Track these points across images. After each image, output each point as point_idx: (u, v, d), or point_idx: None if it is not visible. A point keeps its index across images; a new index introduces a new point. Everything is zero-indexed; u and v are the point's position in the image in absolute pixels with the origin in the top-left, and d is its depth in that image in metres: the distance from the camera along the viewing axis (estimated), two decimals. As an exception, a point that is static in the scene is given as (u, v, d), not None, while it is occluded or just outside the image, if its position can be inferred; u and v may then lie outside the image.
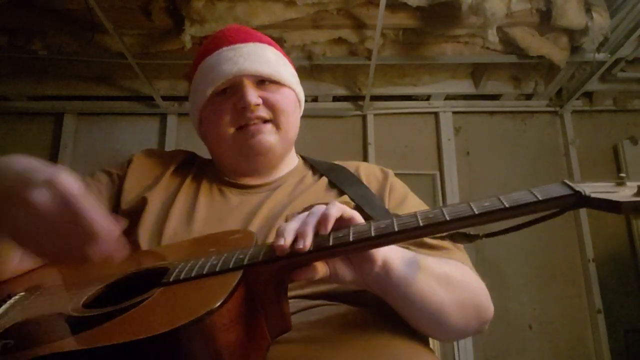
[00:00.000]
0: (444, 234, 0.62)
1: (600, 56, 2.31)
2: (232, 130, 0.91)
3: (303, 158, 1.05)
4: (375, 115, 2.76)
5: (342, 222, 0.61)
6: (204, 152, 1.05)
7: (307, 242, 0.57)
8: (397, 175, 0.99)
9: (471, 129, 2.78)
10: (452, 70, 2.64)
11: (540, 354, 2.44)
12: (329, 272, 0.62)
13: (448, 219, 0.54)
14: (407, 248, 0.76)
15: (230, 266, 0.59)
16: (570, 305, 2.50)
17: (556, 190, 0.53)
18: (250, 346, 0.56)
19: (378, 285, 0.67)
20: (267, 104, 0.92)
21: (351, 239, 0.57)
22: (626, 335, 2.45)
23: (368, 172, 0.96)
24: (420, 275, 0.69)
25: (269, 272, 0.58)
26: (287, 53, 2.39)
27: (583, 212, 2.57)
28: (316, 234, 0.59)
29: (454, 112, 2.79)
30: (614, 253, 2.55)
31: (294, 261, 0.58)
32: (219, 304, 0.51)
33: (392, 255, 0.66)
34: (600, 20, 2.15)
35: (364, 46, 2.32)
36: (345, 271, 0.64)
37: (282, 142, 0.94)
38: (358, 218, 0.62)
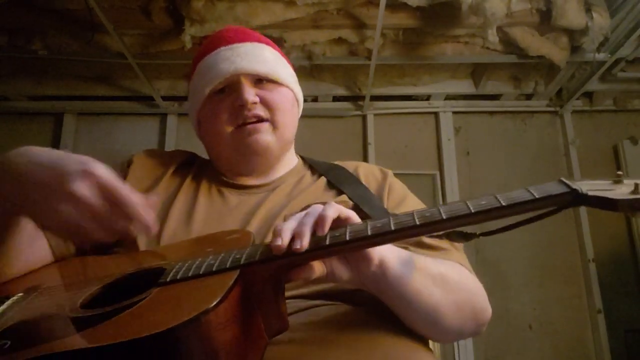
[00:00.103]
0: (441, 232, 0.62)
1: (601, 56, 2.31)
2: (229, 129, 0.92)
3: (302, 158, 1.05)
4: (375, 115, 2.76)
5: (339, 223, 0.61)
6: (203, 152, 1.05)
7: (304, 242, 0.57)
8: (397, 175, 0.99)
9: (471, 129, 2.78)
10: (452, 70, 2.64)
11: (540, 354, 2.44)
12: (326, 272, 0.62)
13: (445, 217, 0.54)
14: (406, 248, 0.76)
15: (227, 266, 0.59)
16: (570, 306, 2.50)
17: (553, 188, 0.53)
18: (247, 346, 0.56)
19: (374, 285, 0.67)
20: (265, 102, 0.92)
21: (348, 238, 0.57)
22: (626, 335, 2.45)
23: (367, 172, 0.96)
24: (417, 275, 0.69)
25: (266, 272, 0.58)
26: (287, 53, 2.40)
27: (583, 212, 2.57)
28: (313, 234, 0.59)
29: (454, 112, 2.79)
30: (614, 253, 2.55)
31: (291, 261, 0.58)
32: (214, 303, 0.51)
33: (388, 254, 0.66)
34: (601, 20, 2.15)
35: (364, 46, 2.32)
36: (341, 270, 0.64)
37: (279, 141, 0.94)
38: (355, 218, 0.62)
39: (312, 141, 2.57)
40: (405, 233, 0.56)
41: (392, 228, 0.56)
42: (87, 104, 2.73)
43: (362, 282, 0.67)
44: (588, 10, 2.14)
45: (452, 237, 0.61)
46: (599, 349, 2.41)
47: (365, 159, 2.65)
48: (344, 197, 0.87)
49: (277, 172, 0.97)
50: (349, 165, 0.99)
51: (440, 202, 2.59)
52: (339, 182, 0.91)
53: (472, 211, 0.53)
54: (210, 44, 0.98)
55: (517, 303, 2.49)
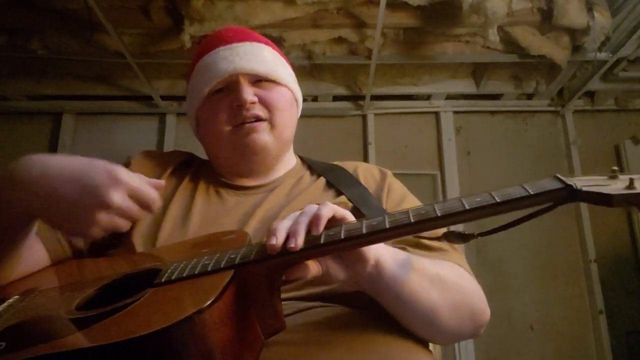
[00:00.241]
0: (439, 235, 0.62)
1: (602, 56, 2.31)
2: (228, 128, 0.91)
3: (301, 158, 1.04)
4: (375, 115, 2.76)
5: (335, 222, 0.61)
6: (202, 152, 1.04)
7: (299, 241, 0.57)
8: (397, 175, 0.99)
9: (472, 129, 2.77)
10: (453, 69, 2.63)
11: (541, 354, 2.43)
12: (322, 271, 0.62)
13: (439, 214, 0.54)
14: (404, 249, 0.76)
15: (222, 266, 0.59)
16: (571, 306, 2.49)
17: (548, 184, 0.53)
18: (243, 345, 0.56)
19: (370, 285, 0.67)
20: (263, 102, 0.92)
21: (343, 237, 0.57)
22: (628, 336, 2.44)
23: (366, 173, 0.96)
24: (413, 275, 0.68)
25: (261, 271, 0.58)
26: (287, 52, 2.39)
27: (585, 212, 2.57)
28: (308, 233, 0.59)
29: (455, 112, 2.78)
30: (615, 254, 2.54)
31: (286, 260, 0.58)
32: (209, 302, 0.52)
33: (384, 255, 0.66)
34: (602, 19, 2.15)
35: (364, 45, 2.31)
36: (337, 270, 0.63)
37: (277, 141, 0.93)
38: (350, 218, 0.62)
39: (312, 141, 2.56)
40: (401, 231, 0.56)
41: (387, 226, 0.56)
42: (86, 103, 2.72)
43: (358, 283, 0.66)
44: (589, 9, 2.13)
45: (450, 238, 0.61)
46: (600, 350, 2.41)
47: (365, 159, 2.65)
48: (342, 198, 0.86)
49: (276, 173, 0.97)
50: (348, 165, 0.98)
51: (441, 202, 2.59)
52: (338, 182, 0.91)
53: (467, 208, 0.53)
54: (209, 43, 0.97)
55: (519, 304, 2.48)
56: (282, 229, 0.59)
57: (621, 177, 0.53)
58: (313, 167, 0.99)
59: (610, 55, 2.30)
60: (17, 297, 0.70)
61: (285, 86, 0.96)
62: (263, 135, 0.91)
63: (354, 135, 2.74)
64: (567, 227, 2.58)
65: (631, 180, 0.49)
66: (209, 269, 0.59)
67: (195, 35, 2.11)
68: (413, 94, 2.77)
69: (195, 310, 0.50)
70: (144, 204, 0.67)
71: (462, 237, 0.60)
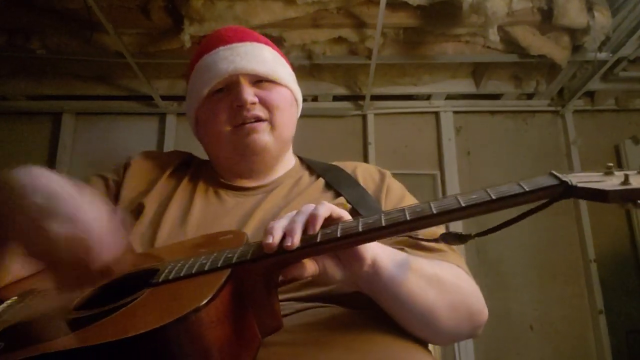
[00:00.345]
0: (437, 237, 0.61)
1: (602, 55, 2.31)
2: (228, 128, 0.91)
3: (300, 159, 1.04)
4: (375, 114, 2.76)
5: (332, 222, 0.61)
6: (202, 153, 1.04)
7: (295, 240, 0.57)
8: (397, 175, 0.98)
9: (472, 129, 2.77)
10: (453, 69, 2.63)
11: (541, 354, 2.44)
12: (319, 271, 0.62)
13: (435, 212, 0.54)
14: (402, 250, 0.75)
15: (219, 265, 0.59)
16: (571, 306, 2.49)
17: (543, 181, 0.53)
18: (240, 344, 0.56)
19: (367, 285, 0.67)
20: (263, 102, 0.91)
21: (339, 235, 0.57)
22: (628, 336, 2.44)
23: (365, 173, 0.95)
24: (411, 275, 0.68)
25: (258, 270, 0.59)
26: (287, 52, 2.39)
27: (584, 212, 2.57)
28: (305, 232, 0.59)
29: (455, 112, 2.78)
30: (615, 253, 2.54)
31: (282, 259, 0.58)
32: (205, 301, 0.52)
33: (381, 254, 0.66)
34: (602, 19, 2.15)
35: (364, 45, 2.32)
36: (334, 270, 0.63)
37: (277, 141, 0.93)
38: (347, 217, 0.62)
39: (312, 141, 2.56)
40: (397, 229, 0.56)
41: (383, 224, 0.56)
42: (85, 103, 2.72)
43: (356, 282, 0.67)
44: (589, 9, 2.13)
45: (448, 239, 0.61)
46: (600, 350, 2.41)
47: (365, 158, 2.65)
48: (341, 199, 0.86)
49: (275, 173, 0.97)
50: (347, 165, 0.98)
51: (441, 202, 2.59)
52: (337, 183, 0.91)
53: (463, 205, 0.53)
54: (209, 43, 0.97)
55: (518, 303, 2.48)
56: (278, 228, 0.59)
57: (616, 173, 0.53)
58: (312, 167, 0.99)
59: (610, 55, 2.30)
60: (15, 297, 0.70)
61: (285, 86, 0.96)
62: (263, 136, 0.91)
63: (354, 135, 2.74)
64: (566, 226, 2.58)
65: (626, 176, 0.49)
66: (206, 268, 0.59)
67: (195, 35, 2.11)
68: (413, 94, 2.77)
69: (192, 308, 0.50)
70: (88, 256, 0.59)
71: (459, 238, 0.60)
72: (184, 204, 0.88)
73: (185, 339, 0.50)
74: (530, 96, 2.78)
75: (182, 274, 0.60)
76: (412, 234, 0.74)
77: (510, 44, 2.34)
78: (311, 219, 0.60)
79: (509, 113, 2.79)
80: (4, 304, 0.68)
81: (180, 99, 2.70)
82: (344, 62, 2.47)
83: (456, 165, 2.67)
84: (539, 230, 2.55)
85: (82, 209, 0.60)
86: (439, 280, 0.72)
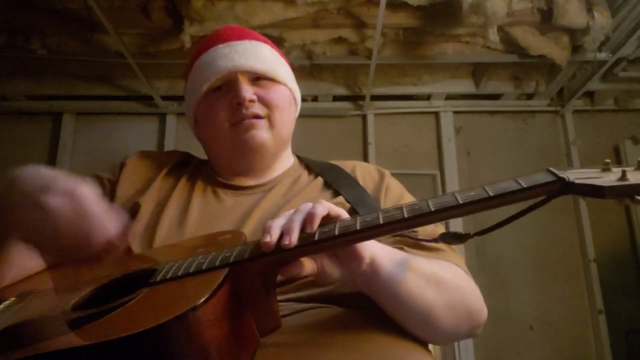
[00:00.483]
0: (436, 237, 0.61)
1: (602, 55, 2.31)
2: (226, 126, 0.91)
3: (298, 158, 1.04)
4: (375, 115, 2.76)
5: (329, 220, 0.61)
6: (203, 153, 1.04)
7: (293, 238, 0.57)
8: (397, 175, 0.98)
9: (472, 129, 2.77)
10: (453, 69, 2.63)
11: (541, 354, 2.44)
12: (317, 270, 0.61)
13: (433, 209, 0.54)
14: (401, 249, 0.75)
15: (217, 264, 0.59)
16: (571, 306, 2.49)
17: (540, 177, 0.53)
18: (238, 344, 0.56)
19: (366, 284, 0.67)
20: (262, 100, 0.91)
21: (337, 233, 0.57)
22: (627, 335, 2.44)
23: (364, 173, 0.95)
24: (409, 274, 0.68)
25: (256, 269, 0.58)
26: (287, 52, 2.39)
27: (584, 212, 2.57)
28: (302, 231, 0.59)
29: (455, 112, 2.78)
30: (615, 253, 2.54)
31: (280, 257, 0.58)
32: (203, 300, 0.51)
33: (380, 253, 0.65)
34: (602, 19, 2.15)
35: (364, 45, 2.32)
36: (332, 269, 0.63)
37: (276, 139, 0.93)
38: (345, 216, 0.62)
39: (312, 141, 2.56)
40: (395, 226, 0.56)
41: (381, 222, 0.56)
42: (86, 103, 2.72)
43: (354, 281, 0.66)
44: (589, 9, 2.13)
45: (447, 239, 0.61)
46: (600, 350, 2.41)
47: (365, 158, 2.65)
48: (340, 198, 0.86)
49: (273, 172, 0.96)
50: (346, 165, 0.98)
51: (441, 202, 2.58)
52: (336, 182, 0.90)
53: (461, 203, 0.53)
54: (208, 42, 0.97)
55: (518, 303, 2.48)
56: (276, 226, 0.59)
57: (614, 169, 0.53)
58: (311, 166, 0.98)
59: (610, 55, 2.30)
60: (13, 298, 0.70)
61: (284, 85, 0.96)
62: (262, 133, 0.91)
63: (354, 135, 2.74)
64: (566, 226, 2.58)
65: (624, 172, 0.49)
66: (204, 267, 0.59)
67: (195, 35, 2.11)
68: (413, 94, 2.77)
69: (190, 307, 0.50)
70: (89, 221, 0.60)
71: (458, 238, 0.59)
72: (182, 204, 0.88)
73: (183, 338, 0.50)
74: (530, 96, 2.78)
75: (179, 274, 0.60)
76: (412, 233, 0.74)
77: (510, 44, 2.34)
78: (309, 217, 0.59)
79: (509, 113, 2.79)
80: (2, 305, 0.68)
81: (180, 99, 2.70)
82: (344, 62, 2.47)
83: (456, 165, 2.67)
84: (539, 230, 2.55)
85: (79, 186, 0.61)
86: (437, 279, 0.71)
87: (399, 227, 0.56)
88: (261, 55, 0.94)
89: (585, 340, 2.45)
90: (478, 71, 2.65)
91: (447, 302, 0.71)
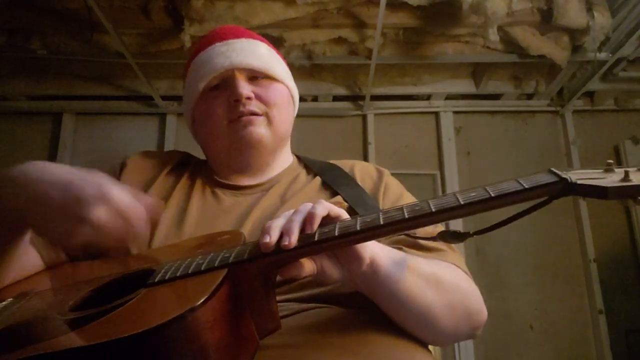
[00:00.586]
0: (435, 235, 0.61)
1: (602, 56, 2.31)
2: (224, 123, 0.91)
3: (297, 157, 1.04)
4: (375, 115, 2.76)
5: (329, 221, 0.61)
6: (202, 153, 1.04)
7: (293, 239, 0.57)
8: (397, 175, 0.98)
9: (472, 129, 2.77)
10: (453, 69, 2.63)
11: (541, 354, 2.43)
12: (316, 270, 0.61)
13: (434, 210, 0.54)
14: (400, 249, 0.75)
15: (216, 265, 0.58)
16: (571, 306, 2.49)
17: (542, 178, 0.52)
18: (237, 345, 0.55)
19: (365, 284, 0.66)
20: (260, 98, 0.91)
21: (337, 234, 0.56)
22: (628, 335, 2.44)
23: (363, 172, 0.95)
24: (409, 275, 0.68)
25: (255, 270, 0.58)
26: (287, 52, 2.38)
27: (584, 212, 2.57)
28: (302, 231, 0.58)
29: (455, 112, 2.78)
30: (615, 253, 2.54)
31: (280, 258, 0.58)
32: (201, 301, 0.51)
33: (380, 254, 0.65)
34: (602, 19, 2.15)
35: (364, 45, 2.32)
36: (332, 269, 0.63)
37: (274, 136, 0.93)
38: (345, 216, 0.62)
39: (312, 141, 2.56)
40: (395, 227, 0.56)
41: (382, 222, 0.55)
42: (86, 103, 2.72)
43: (354, 282, 0.66)
44: (589, 9, 2.13)
45: (446, 237, 0.61)
46: (600, 349, 2.41)
47: (365, 158, 2.64)
48: (339, 197, 0.86)
49: (272, 171, 0.96)
50: (345, 164, 0.97)
51: (441, 202, 2.58)
52: (334, 182, 0.90)
53: (462, 203, 0.53)
54: (205, 41, 0.97)
55: (518, 303, 2.48)
56: (275, 227, 0.59)
57: (616, 170, 0.52)
58: (309, 165, 0.98)
59: (610, 55, 2.30)
60: (11, 299, 0.70)
61: (282, 82, 0.96)
62: (259, 129, 0.90)
63: (354, 135, 2.74)
64: (566, 226, 2.58)
65: (626, 173, 0.49)
66: (203, 268, 0.59)
67: (195, 35, 2.11)
68: (413, 94, 2.77)
69: (188, 308, 0.50)
70: (130, 224, 0.67)
71: (457, 236, 0.59)
72: (181, 204, 0.88)
73: (181, 339, 0.49)
74: (530, 96, 2.78)
75: (178, 274, 0.59)
76: (411, 233, 0.74)
77: (510, 44, 2.34)
78: (309, 218, 0.59)
79: (509, 113, 2.79)
80: (0, 305, 0.68)
81: (180, 99, 2.69)
82: (344, 62, 2.47)
83: (456, 165, 2.67)
84: (539, 230, 2.55)
85: (107, 189, 0.64)
86: (437, 280, 0.71)
87: (399, 228, 0.56)
88: (258, 53, 0.94)
89: (585, 340, 2.45)
90: (478, 71, 2.65)
91: (446, 303, 0.71)
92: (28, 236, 0.75)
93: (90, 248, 0.66)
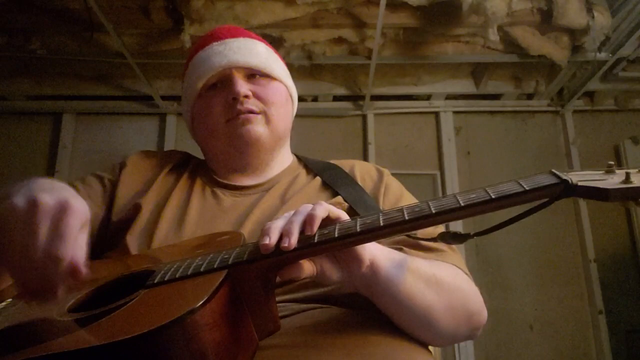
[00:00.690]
0: (435, 236, 0.61)
1: (602, 56, 2.31)
2: (222, 122, 0.91)
3: (297, 157, 1.03)
4: (375, 114, 2.76)
5: (329, 222, 0.60)
6: (201, 153, 1.04)
7: (292, 241, 0.57)
8: (397, 175, 0.98)
9: (472, 129, 2.77)
10: (453, 69, 2.63)
11: (541, 354, 2.43)
12: (316, 272, 0.61)
13: (434, 211, 0.54)
14: (401, 250, 0.75)
15: (215, 266, 0.58)
16: (571, 306, 2.49)
17: (543, 179, 0.52)
18: (237, 346, 0.55)
19: (365, 286, 0.66)
20: (257, 96, 0.91)
21: (336, 235, 0.56)
22: (627, 335, 2.44)
23: (363, 172, 0.95)
24: (409, 276, 0.68)
25: (255, 271, 0.58)
26: (287, 52, 2.38)
27: (584, 212, 2.57)
28: (302, 233, 0.58)
29: (455, 112, 2.78)
30: (615, 253, 2.54)
31: (279, 259, 0.58)
32: (201, 303, 0.51)
33: (379, 255, 0.65)
34: (602, 19, 2.15)
35: (364, 45, 2.32)
36: (332, 271, 0.63)
37: (272, 134, 0.93)
38: (345, 217, 0.61)
39: (312, 141, 2.57)
40: (395, 229, 0.55)
41: (381, 224, 0.55)
42: (86, 103, 2.72)
43: (353, 283, 0.66)
44: (589, 9, 2.13)
45: (446, 239, 0.60)
46: (600, 350, 2.41)
47: (365, 158, 2.64)
48: (339, 198, 0.85)
49: (271, 171, 0.96)
50: (345, 164, 0.97)
51: (441, 202, 2.59)
52: (334, 182, 0.90)
53: (462, 205, 0.53)
54: (203, 41, 0.97)
55: (518, 303, 2.48)
56: (275, 228, 0.59)
57: (617, 171, 0.52)
58: (309, 165, 0.98)
59: (610, 55, 2.30)
60: (9, 300, 0.70)
61: (280, 81, 0.96)
62: (257, 127, 0.90)
63: (354, 135, 2.74)
64: (566, 226, 2.58)
65: (627, 175, 0.48)
66: (202, 269, 0.58)
67: (195, 35, 2.11)
68: (413, 94, 2.77)
69: (187, 310, 0.50)
70: (50, 244, 0.53)
71: (458, 238, 0.59)
72: (181, 204, 0.87)
73: (180, 341, 0.49)
74: (530, 96, 2.78)
75: (177, 275, 0.59)
76: (411, 233, 0.73)
77: (510, 44, 2.34)
78: (309, 219, 0.59)
79: (509, 113, 2.79)
80: None
81: (180, 99, 2.69)
82: (344, 62, 2.47)
83: (456, 166, 2.67)
84: (539, 230, 2.55)
85: (71, 195, 0.57)
86: (437, 281, 0.71)
87: (399, 229, 0.56)
88: (256, 52, 0.94)
89: (585, 340, 2.45)
90: (478, 71, 2.65)
91: (447, 304, 0.71)
92: None
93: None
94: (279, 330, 0.61)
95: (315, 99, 2.75)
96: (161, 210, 0.85)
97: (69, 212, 0.55)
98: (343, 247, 0.60)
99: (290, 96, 1.00)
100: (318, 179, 0.93)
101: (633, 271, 2.53)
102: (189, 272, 0.59)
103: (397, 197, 0.90)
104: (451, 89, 2.72)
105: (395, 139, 2.73)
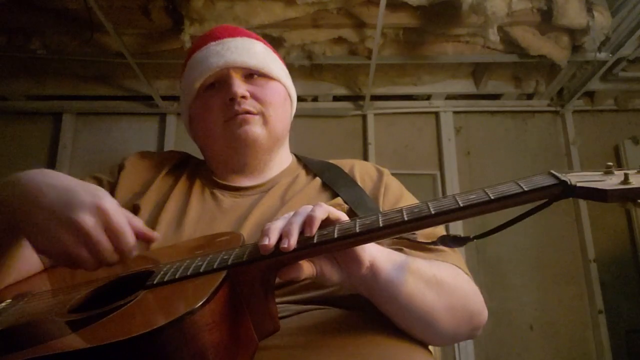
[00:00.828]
0: (435, 239, 0.61)
1: (602, 55, 2.31)
2: (220, 122, 0.90)
3: (297, 157, 1.03)
4: (375, 114, 2.76)
5: (329, 224, 0.60)
6: (200, 153, 1.04)
7: (292, 241, 0.57)
8: (397, 175, 0.98)
9: (472, 129, 2.77)
10: (453, 69, 2.63)
11: (541, 354, 2.43)
12: (316, 272, 0.61)
13: (433, 212, 0.54)
14: (401, 250, 0.75)
15: (215, 267, 0.58)
16: (571, 306, 2.49)
17: (542, 180, 0.52)
18: (236, 347, 0.55)
19: (365, 287, 0.66)
20: (255, 97, 0.91)
21: (336, 236, 0.56)
22: (627, 335, 2.44)
23: (363, 172, 0.94)
24: (409, 277, 0.68)
25: (254, 272, 0.58)
26: (287, 52, 2.38)
27: (584, 212, 2.57)
28: (302, 234, 0.58)
29: (455, 112, 2.78)
30: (615, 253, 2.54)
31: (279, 260, 0.58)
32: (200, 303, 0.51)
33: (379, 256, 0.65)
34: (602, 19, 2.15)
35: (364, 45, 2.32)
36: (331, 272, 0.63)
37: (270, 135, 0.92)
38: (344, 219, 0.61)
39: (312, 141, 2.57)
40: (394, 229, 0.56)
41: (381, 225, 0.55)
42: (86, 103, 2.72)
43: (353, 285, 0.66)
44: (589, 9, 2.13)
45: (446, 242, 0.60)
46: (600, 350, 2.41)
47: (365, 158, 2.64)
48: (338, 199, 0.85)
49: (271, 171, 0.96)
50: (345, 164, 0.97)
51: (441, 202, 2.58)
52: (334, 183, 0.89)
53: (461, 205, 0.53)
54: (201, 41, 0.97)
55: (518, 303, 2.48)
56: (275, 229, 0.59)
57: (616, 172, 0.52)
58: (309, 166, 0.97)
59: (610, 55, 2.30)
60: (9, 300, 0.70)
61: (278, 81, 0.95)
62: (255, 128, 0.90)
63: (354, 135, 2.74)
64: (566, 227, 2.58)
65: (626, 176, 0.49)
66: (202, 270, 0.58)
67: (195, 35, 2.11)
68: (413, 94, 2.77)
69: (187, 311, 0.50)
70: (117, 245, 0.62)
71: (458, 241, 0.59)
72: (180, 205, 0.87)
73: (180, 342, 0.49)
74: (530, 96, 2.78)
75: (177, 276, 0.59)
76: (410, 236, 0.73)
77: (510, 44, 2.34)
78: (308, 220, 0.59)
79: (509, 113, 2.79)
80: None
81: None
82: (344, 62, 2.47)
83: (456, 165, 2.67)
84: (539, 230, 2.55)
85: (101, 200, 0.63)
86: (437, 281, 0.71)
87: (399, 230, 0.56)
88: (253, 52, 0.94)
89: (585, 341, 2.45)
90: (478, 71, 2.65)
91: (447, 304, 0.71)
92: (25, 241, 0.74)
93: (64, 258, 0.61)
94: (279, 331, 0.61)
95: (315, 99, 2.75)
96: (160, 211, 0.85)
97: (106, 211, 0.62)
98: (342, 248, 0.60)
99: (289, 96, 0.99)
100: (318, 179, 0.92)
101: (633, 271, 2.53)
102: (189, 273, 0.59)
103: (397, 197, 0.90)
104: (451, 89, 2.72)
105: (395, 139, 2.73)
